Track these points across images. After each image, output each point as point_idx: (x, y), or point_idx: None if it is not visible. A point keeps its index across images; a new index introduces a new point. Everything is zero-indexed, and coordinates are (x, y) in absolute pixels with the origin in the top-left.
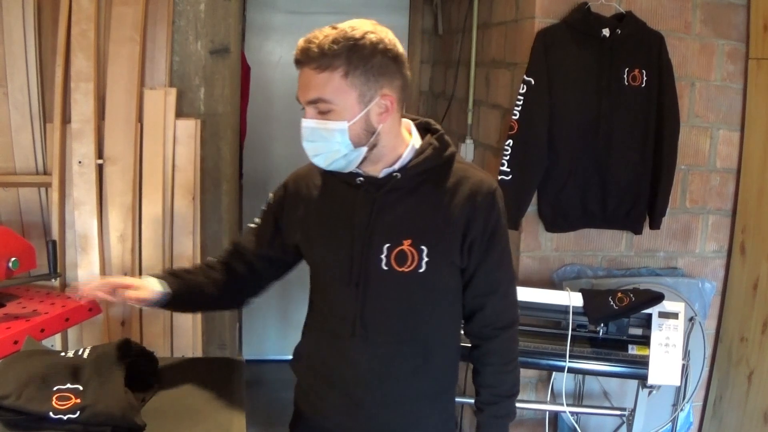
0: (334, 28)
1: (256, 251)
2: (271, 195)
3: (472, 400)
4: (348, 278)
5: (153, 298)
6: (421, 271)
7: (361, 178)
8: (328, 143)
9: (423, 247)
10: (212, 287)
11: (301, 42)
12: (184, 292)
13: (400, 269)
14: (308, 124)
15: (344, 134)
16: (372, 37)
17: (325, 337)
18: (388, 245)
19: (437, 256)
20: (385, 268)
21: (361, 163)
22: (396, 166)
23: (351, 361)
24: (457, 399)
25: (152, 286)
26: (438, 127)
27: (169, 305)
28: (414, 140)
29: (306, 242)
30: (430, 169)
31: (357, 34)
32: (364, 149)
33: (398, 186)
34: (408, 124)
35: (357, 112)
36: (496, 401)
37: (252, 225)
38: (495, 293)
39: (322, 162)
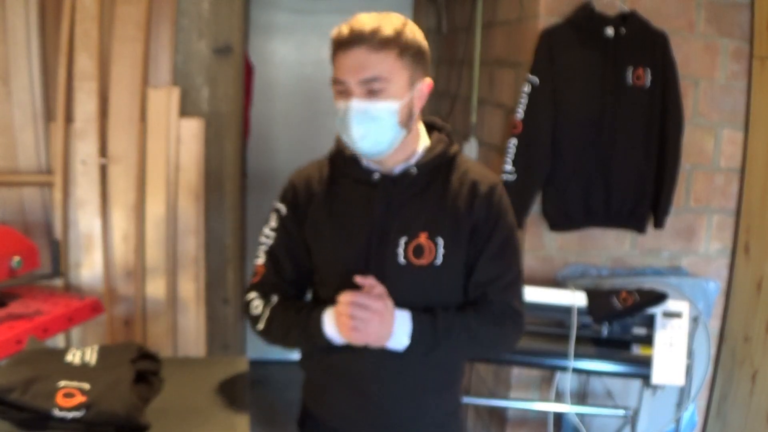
0: (372, 16)
1: (297, 270)
2: (280, 205)
3: (477, 400)
4: (365, 274)
5: None
6: (438, 263)
7: (378, 174)
8: (378, 124)
9: (439, 238)
10: None
11: (343, 26)
12: None
13: (418, 263)
14: (359, 104)
15: (395, 115)
16: (412, 26)
17: None
18: (405, 239)
19: (452, 247)
20: (402, 262)
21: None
22: (412, 161)
23: (364, 356)
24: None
25: None
26: (444, 124)
27: None
28: (423, 136)
29: (316, 240)
30: (440, 165)
31: (401, 21)
32: (405, 132)
33: (414, 182)
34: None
35: (406, 93)
36: (433, 321)
37: (266, 245)
38: (495, 283)
39: (368, 145)
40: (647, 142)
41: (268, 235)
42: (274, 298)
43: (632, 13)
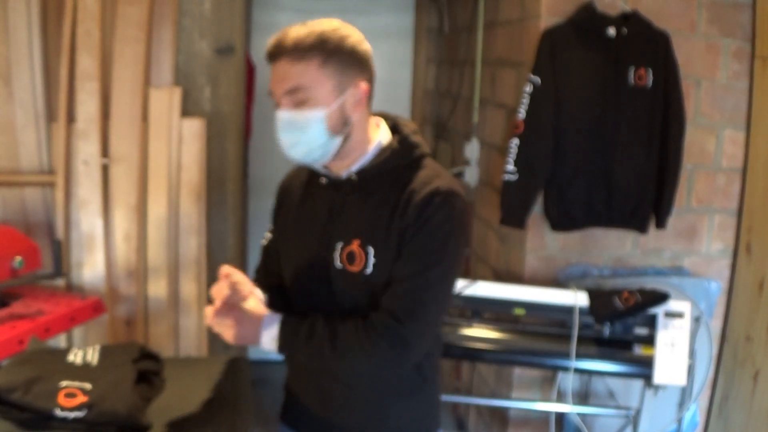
0: (304, 24)
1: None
2: (275, 204)
3: (476, 400)
4: (314, 274)
5: None
6: (367, 272)
7: (324, 179)
8: (305, 133)
9: (370, 247)
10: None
11: (272, 38)
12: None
13: (351, 269)
14: (285, 114)
15: (322, 122)
16: (342, 31)
17: None
18: (341, 244)
19: (383, 258)
20: (338, 266)
21: (332, 158)
22: (353, 168)
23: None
24: (462, 399)
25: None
26: (405, 127)
27: None
28: (382, 137)
29: (280, 240)
30: (390, 171)
31: (328, 27)
32: (340, 139)
33: (356, 187)
34: (378, 120)
35: (333, 100)
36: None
37: (264, 241)
38: (396, 286)
39: (299, 153)
40: (649, 142)
41: (266, 235)
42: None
43: (634, 13)
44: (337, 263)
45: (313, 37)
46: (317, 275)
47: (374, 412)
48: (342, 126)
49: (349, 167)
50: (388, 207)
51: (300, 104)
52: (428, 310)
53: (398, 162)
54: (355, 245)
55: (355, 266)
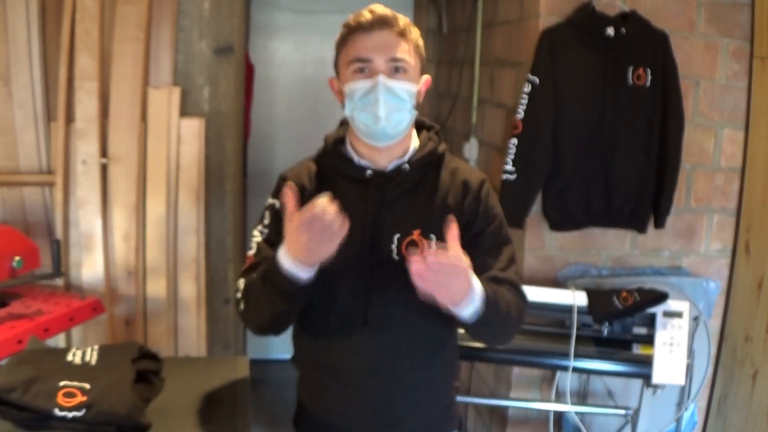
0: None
1: None
2: (273, 201)
3: (477, 400)
4: (359, 270)
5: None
6: None
7: (371, 172)
8: (401, 104)
9: (432, 236)
10: None
11: (366, 11)
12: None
13: None
14: (388, 81)
15: (413, 98)
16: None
17: (327, 330)
18: (398, 236)
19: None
20: (396, 258)
21: (397, 140)
22: (405, 158)
23: (358, 352)
24: (460, 398)
25: None
26: (433, 123)
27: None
28: (414, 135)
29: None
30: (430, 162)
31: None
32: (413, 120)
33: (406, 179)
34: None
35: (418, 82)
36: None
37: (259, 240)
38: (492, 272)
39: (392, 122)
40: (648, 141)
41: (261, 230)
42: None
43: (633, 12)
44: (394, 256)
45: (407, 22)
46: (365, 270)
47: (408, 404)
48: (416, 108)
49: (394, 159)
50: (439, 194)
51: (399, 73)
52: (517, 275)
53: (437, 153)
54: (416, 235)
55: None
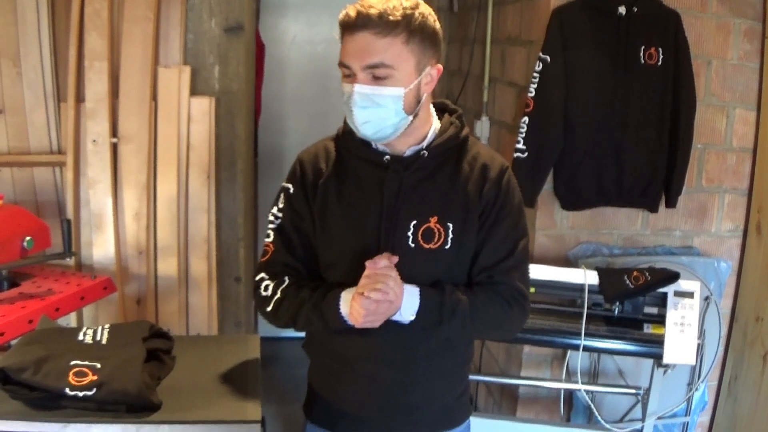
0: None
1: (307, 249)
2: (288, 185)
3: (487, 378)
4: (374, 255)
5: None
6: (447, 247)
7: (388, 157)
8: (381, 110)
9: (449, 224)
10: None
11: (352, 8)
12: None
13: (427, 246)
14: (363, 89)
15: (399, 101)
16: (423, 9)
17: None
18: (414, 222)
19: (462, 232)
20: (411, 245)
21: (398, 136)
22: (423, 144)
23: (372, 340)
24: (472, 377)
25: None
26: (455, 107)
27: None
28: (434, 119)
29: (325, 220)
30: (451, 149)
31: (411, 3)
32: (411, 118)
33: (424, 165)
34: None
35: (413, 80)
36: (442, 299)
37: (273, 228)
38: (501, 265)
39: (370, 130)
40: (659, 121)
41: (276, 214)
42: (286, 279)
43: None
44: (410, 242)
45: (400, 12)
46: (381, 253)
47: (427, 393)
48: (415, 105)
49: (411, 145)
50: (459, 181)
51: (379, 80)
52: (529, 277)
53: (459, 138)
54: (432, 222)
55: (432, 243)
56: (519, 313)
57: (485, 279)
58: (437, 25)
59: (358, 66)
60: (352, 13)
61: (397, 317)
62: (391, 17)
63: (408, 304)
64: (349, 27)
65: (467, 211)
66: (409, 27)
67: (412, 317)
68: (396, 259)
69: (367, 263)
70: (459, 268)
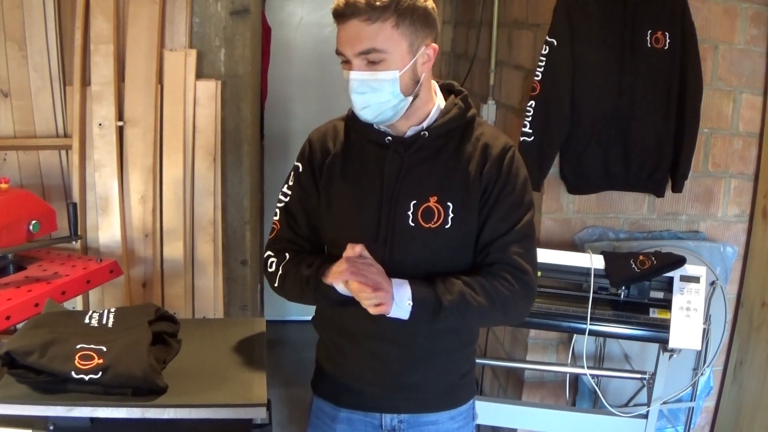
0: None
1: (311, 225)
2: (297, 163)
3: (493, 362)
4: (375, 235)
5: None
6: (447, 227)
7: (389, 138)
8: (378, 94)
9: (449, 203)
10: None
11: None
12: None
13: (427, 225)
14: (358, 76)
15: (395, 84)
16: None
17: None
18: (414, 202)
19: (462, 212)
20: (411, 224)
21: (400, 118)
22: (424, 125)
23: (375, 317)
24: (478, 360)
25: None
26: (461, 88)
27: None
28: (439, 100)
29: (329, 197)
30: (454, 129)
31: None
32: (410, 99)
33: (425, 145)
34: (433, 84)
35: (407, 62)
36: (439, 290)
37: (280, 206)
38: (501, 240)
39: (370, 114)
40: (666, 105)
41: (285, 192)
42: (287, 255)
43: None
44: (410, 222)
45: None
46: (380, 236)
47: (430, 372)
48: (414, 86)
49: (413, 125)
50: (461, 161)
51: (373, 65)
52: (534, 254)
53: (463, 119)
54: (432, 202)
55: (432, 223)
56: (522, 291)
57: (484, 258)
58: (429, 3)
59: (351, 53)
60: (341, 2)
61: (395, 312)
62: (378, 3)
63: (401, 297)
64: (339, 15)
65: (467, 191)
66: (398, 10)
67: (409, 304)
68: (359, 250)
69: (349, 246)
70: (460, 247)
